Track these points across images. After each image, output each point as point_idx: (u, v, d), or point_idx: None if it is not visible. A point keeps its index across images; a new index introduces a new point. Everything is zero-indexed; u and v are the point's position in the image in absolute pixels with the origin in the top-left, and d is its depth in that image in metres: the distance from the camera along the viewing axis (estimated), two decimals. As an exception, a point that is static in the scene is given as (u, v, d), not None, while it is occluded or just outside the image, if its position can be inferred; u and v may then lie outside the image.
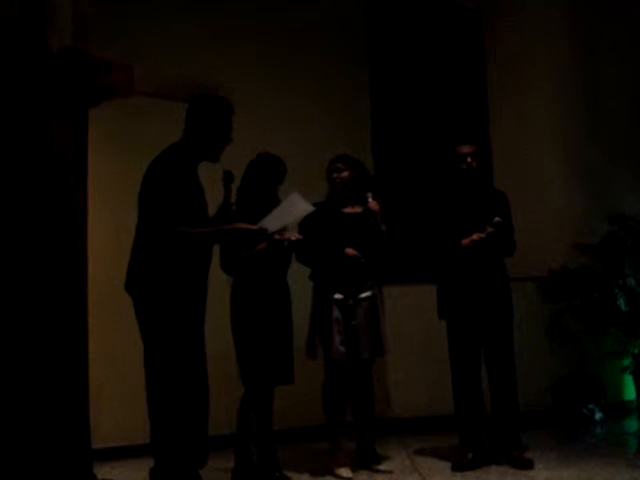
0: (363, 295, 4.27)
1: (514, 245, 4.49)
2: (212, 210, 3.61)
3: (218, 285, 3.75)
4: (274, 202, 4.11)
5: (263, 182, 4.14)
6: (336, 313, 4.21)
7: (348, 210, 4.40)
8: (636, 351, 6.03)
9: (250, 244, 3.92)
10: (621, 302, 6.11)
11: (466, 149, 4.40)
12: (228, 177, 3.58)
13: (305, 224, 4.24)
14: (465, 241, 4.28)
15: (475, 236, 4.26)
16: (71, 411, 3.23)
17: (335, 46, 6.25)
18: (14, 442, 3.16)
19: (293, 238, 4.08)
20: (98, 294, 3.81)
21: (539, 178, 6.30)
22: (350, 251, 4.23)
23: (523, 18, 6.62)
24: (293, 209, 3.71)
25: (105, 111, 3.52)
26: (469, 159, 4.37)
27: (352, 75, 6.34)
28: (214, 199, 3.61)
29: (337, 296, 4.23)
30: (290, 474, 4.21)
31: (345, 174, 4.35)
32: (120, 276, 3.41)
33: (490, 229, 4.23)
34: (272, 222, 3.58)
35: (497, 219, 4.24)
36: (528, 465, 4.25)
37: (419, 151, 6.55)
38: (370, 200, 4.26)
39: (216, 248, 3.68)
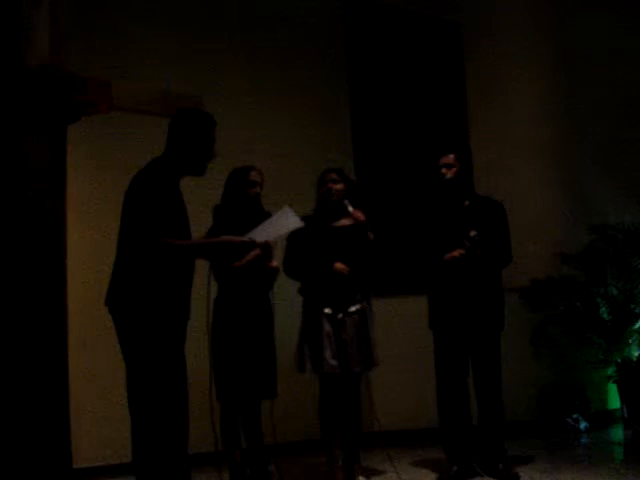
0: (353, 309, 4.26)
1: (509, 256, 4.44)
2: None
3: (197, 299, 3.71)
4: (258, 211, 4.16)
5: (237, 191, 4.20)
6: (327, 327, 4.20)
7: (337, 223, 4.39)
8: (619, 360, 6.06)
9: (239, 256, 3.92)
10: (603, 311, 6.12)
11: (442, 160, 4.42)
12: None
13: (295, 238, 4.25)
14: (447, 256, 4.28)
15: (456, 252, 4.24)
16: (52, 429, 3.21)
17: (316, 60, 6.26)
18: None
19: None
20: (78, 310, 3.78)
21: (520, 188, 6.32)
22: (339, 266, 4.23)
23: (503, 30, 6.67)
24: (283, 223, 3.67)
25: (84, 128, 3.51)
26: (443, 170, 4.40)
27: (334, 88, 6.35)
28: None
29: (327, 310, 4.23)
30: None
31: (340, 186, 4.34)
32: (100, 292, 3.37)
33: (468, 244, 4.24)
34: (260, 234, 3.55)
35: (473, 233, 4.24)
36: (514, 478, 4.23)
37: (401, 162, 6.56)
38: (351, 208, 4.25)
39: (201, 262, 3.65)
